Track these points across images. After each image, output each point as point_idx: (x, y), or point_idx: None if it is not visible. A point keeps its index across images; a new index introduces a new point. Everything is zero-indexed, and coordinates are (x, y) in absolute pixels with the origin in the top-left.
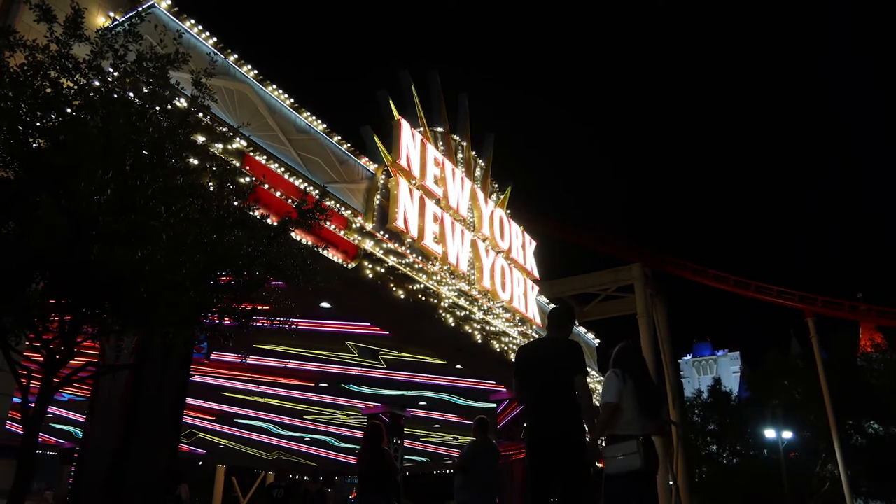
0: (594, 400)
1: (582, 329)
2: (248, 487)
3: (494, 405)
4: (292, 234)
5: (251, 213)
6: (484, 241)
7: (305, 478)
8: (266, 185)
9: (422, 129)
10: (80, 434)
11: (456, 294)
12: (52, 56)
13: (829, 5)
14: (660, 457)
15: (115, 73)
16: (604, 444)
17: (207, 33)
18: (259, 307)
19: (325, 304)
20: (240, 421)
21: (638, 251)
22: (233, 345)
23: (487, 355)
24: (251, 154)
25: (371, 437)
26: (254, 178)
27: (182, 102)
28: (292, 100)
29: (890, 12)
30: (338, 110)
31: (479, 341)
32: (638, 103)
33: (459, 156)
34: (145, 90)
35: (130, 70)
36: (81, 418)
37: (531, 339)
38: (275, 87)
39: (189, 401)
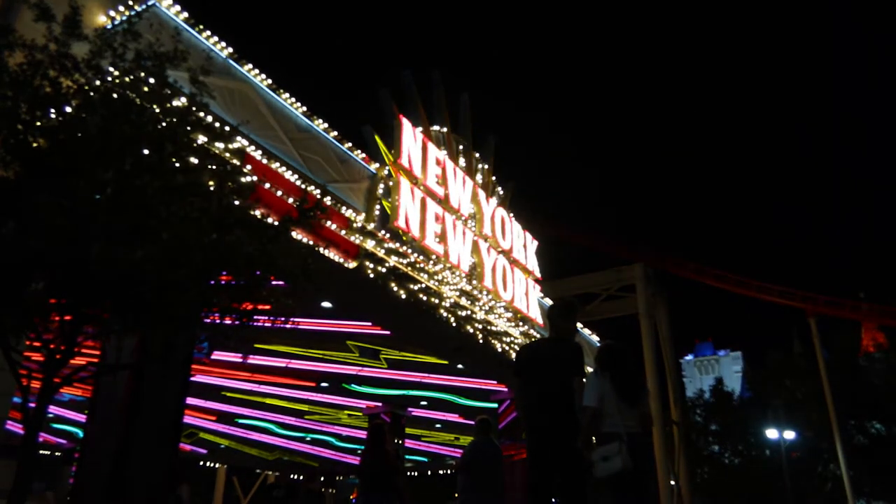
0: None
1: (585, 329)
2: (249, 487)
3: (496, 405)
4: (293, 234)
5: (251, 212)
6: (485, 240)
7: (302, 477)
8: (267, 185)
9: (423, 128)
10: (81, 434)
11: (457, 294)
12: (50, 55)
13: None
14: (661, 456)
15: (115, 72)
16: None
17: (208, 32)
18: (260, 307)
19: (326, 304)
20: (241, 421)
21: (639, 251)
22: (234, 344)
23: (489, 355)
24: (252, 153)
25: (373, 438)
26: (254, 178)
27: (182, 101)
28: (293, 99)
29: (890, 10)
30: (339, 109)
31: (481, 341)
32: (640, 103)
33: (461, 155)
34: (145, 89)
35: (129, 69)
36: (82, 418)
37: (532, 339)
38: (276, 86)
39: (190, 400)
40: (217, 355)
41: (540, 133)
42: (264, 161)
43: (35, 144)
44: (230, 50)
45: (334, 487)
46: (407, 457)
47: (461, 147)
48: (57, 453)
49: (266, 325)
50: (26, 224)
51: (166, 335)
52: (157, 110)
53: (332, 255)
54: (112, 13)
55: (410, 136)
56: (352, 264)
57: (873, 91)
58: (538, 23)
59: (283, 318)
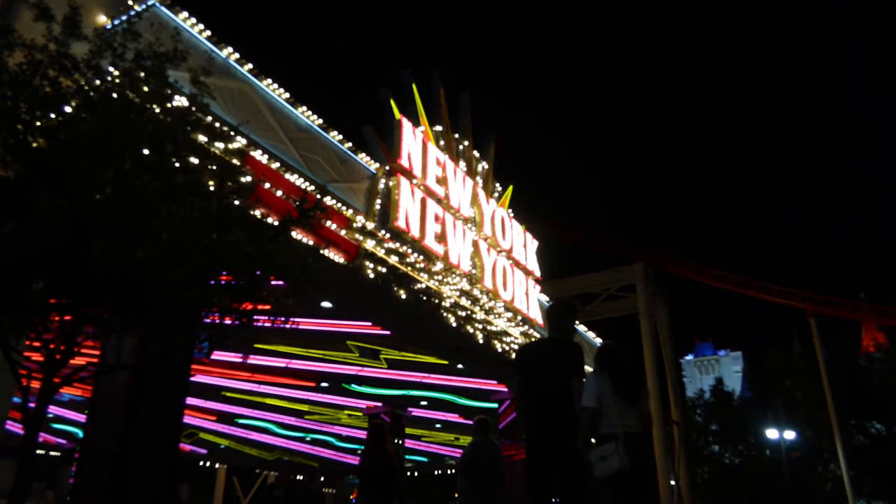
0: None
1: (585, 329)
2: (249, 487)
3: (496, 405)
4: (293, 234)
5: (252, 212)
6: (485, 240)
7: (302, 477)
8: (267, 184)
9: (423, 128)
10: (81, 434)
11: (457, 294)
12: (50, 55)
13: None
14: (661, 456)
15: (115, 72)
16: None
17: (209, 32)
18: (260, 307)
19: (326, 304)
20: (241, 421)
21: (640, 251)
22: (234, 344)
23: (489, 355)
24: (252, 153)
25: (373, 438)
26: (254, 178)
27: (182, 101)
28: (293, 99)
29: (890, 10)
30: (339, 109)
31: (481, 341)
32: (640, 103)
33: (461, 155)
34: (145, 89)
35: (129, 69)
36: (82, 418)
37: (532, 339)
38: (276, 85)
39: (190, 400)
40: (217, 355)
41: (540, 133)
42: (264, 161)
43: (35, 144)
44: (230, 50)
45: (334, 487)
46: (407, 457)
47: (461, 147)
48: (57, 453)
49: (266, 325)
50: (26, 224)
51: (166, 335)
52: (157, 110)
53: (332, 255)
54: (112, 13)
55: (410, 136)
56: (352, 264)
57: (873, 91)
58: (538, 23)
59: (283, 318)
